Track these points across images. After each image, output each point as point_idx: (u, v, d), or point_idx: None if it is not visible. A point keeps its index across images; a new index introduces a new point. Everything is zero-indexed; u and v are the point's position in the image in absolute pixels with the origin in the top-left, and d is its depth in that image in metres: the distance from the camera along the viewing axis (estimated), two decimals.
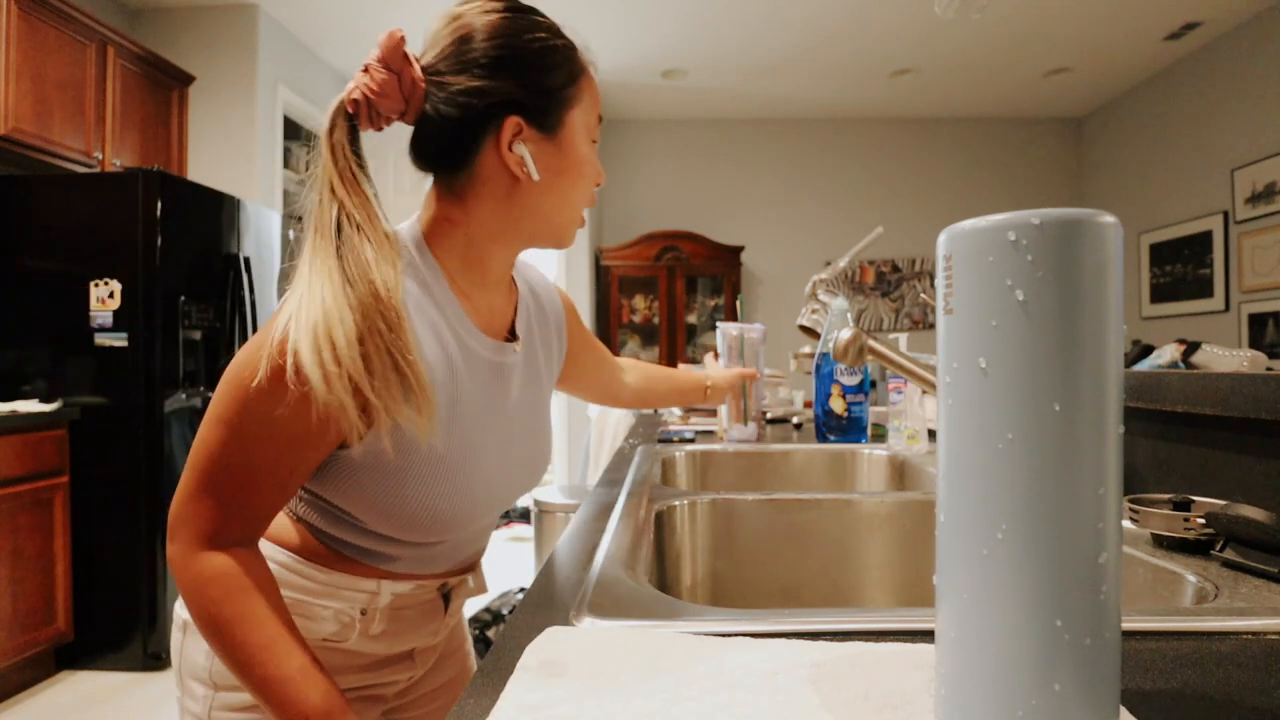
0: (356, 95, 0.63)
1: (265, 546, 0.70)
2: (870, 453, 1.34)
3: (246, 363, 0.59)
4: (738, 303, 1.49)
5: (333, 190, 0.63)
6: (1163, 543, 0.65)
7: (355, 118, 0.64)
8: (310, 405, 0.58)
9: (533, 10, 0.69)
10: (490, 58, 0.65)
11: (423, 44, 0.68)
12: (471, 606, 2.55)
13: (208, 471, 0.60)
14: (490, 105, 0.65)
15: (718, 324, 1.46)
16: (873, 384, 1.98)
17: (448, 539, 0.72)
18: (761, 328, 1.46)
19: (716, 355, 1.46)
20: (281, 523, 0.72)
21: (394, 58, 0.63)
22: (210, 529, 0.60)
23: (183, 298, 2.65)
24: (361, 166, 0.65)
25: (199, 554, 0.60)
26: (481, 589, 0.84)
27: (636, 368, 1.14)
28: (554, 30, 0.69)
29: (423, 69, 0.65)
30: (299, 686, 0.58)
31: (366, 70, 0.63)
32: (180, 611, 0.72)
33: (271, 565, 0.69)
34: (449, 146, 0.67)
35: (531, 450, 0.78)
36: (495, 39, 0.65)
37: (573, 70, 0.69)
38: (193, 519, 0.60)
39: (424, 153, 0.69)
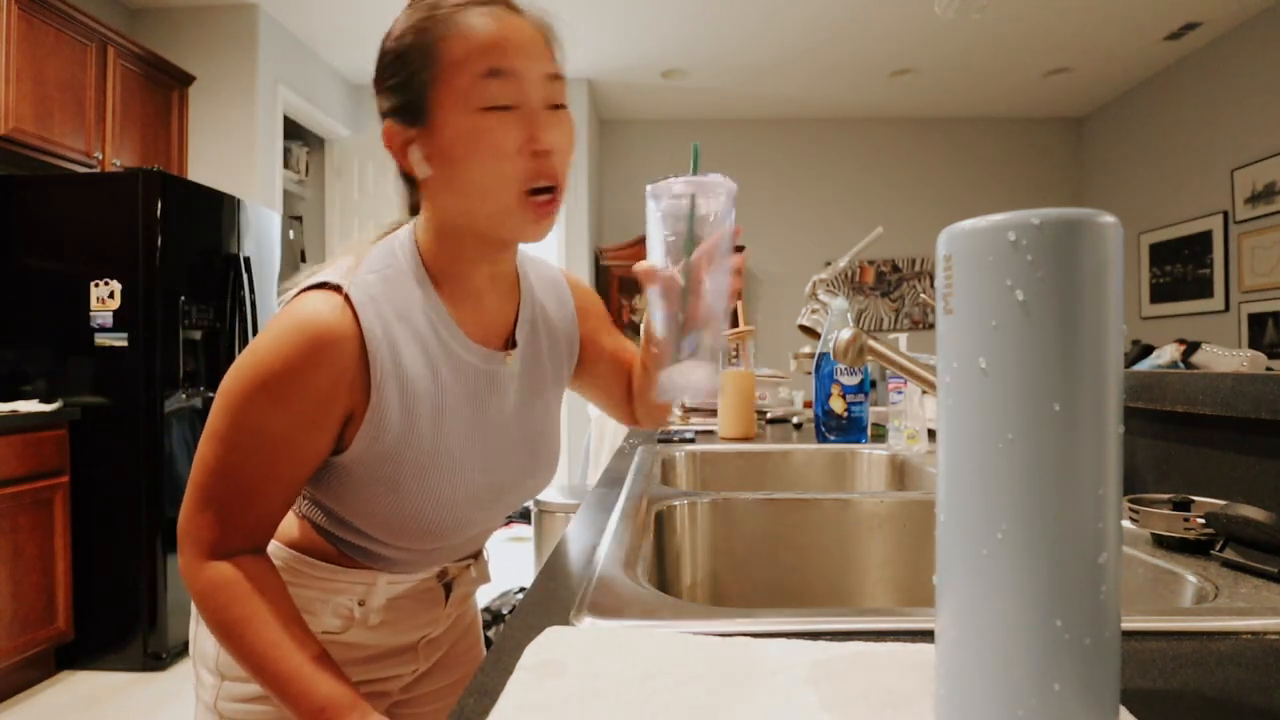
0: None
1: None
2: (870, 453, 1.34)
3: (236, 375, 0.61)
4: (692, 148, 0.66)
5: None
6: (1163, 543, 0.65)
7: None
8: (300, 408, 0.60)
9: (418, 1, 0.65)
10: (376, 70, 0.67)
11: None
12: None
13: (206, 485, 0.62)
14: (382, 116, 0.67)
15: (648, 186, 0.63)
16: (873, 384, 1.97)
17: (444, 544, 0.73)
18: (722, 181, 0.62)
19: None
20: (285, 519, 0.73)
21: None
22: (213, 541, 0.62)
23: (183, 298, 2.65)
24: None
25: (204, 564, 0.62)
26: (484, 578, 0.86)
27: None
28: (415, 11, 0.64)
29: None
30: (310, 680, 0.59)
31: None
32: None
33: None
34: None
35: (531, 459, 0.77)
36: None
37: (425, 48, 0.62)
38: (195, 532, 0.62)
39: None
